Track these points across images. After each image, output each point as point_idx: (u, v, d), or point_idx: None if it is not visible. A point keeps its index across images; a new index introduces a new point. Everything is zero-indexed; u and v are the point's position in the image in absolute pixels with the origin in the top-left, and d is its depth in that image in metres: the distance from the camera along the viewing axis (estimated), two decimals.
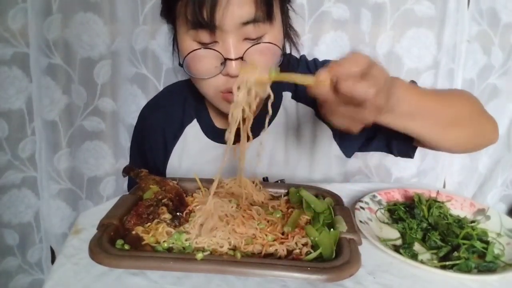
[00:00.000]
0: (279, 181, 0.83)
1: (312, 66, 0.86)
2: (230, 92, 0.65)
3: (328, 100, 0.50)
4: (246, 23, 0.66)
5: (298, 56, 0.87)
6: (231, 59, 0.67)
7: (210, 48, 0.68)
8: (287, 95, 0.86)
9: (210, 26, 0.65)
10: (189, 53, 0.69)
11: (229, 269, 0.49)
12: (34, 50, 1.27)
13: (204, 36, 0.67)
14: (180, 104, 0.92)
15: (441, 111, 0.66)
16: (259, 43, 0.69)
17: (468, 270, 0.53)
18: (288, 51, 0.80)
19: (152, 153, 0.93)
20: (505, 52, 1.41)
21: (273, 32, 0.70)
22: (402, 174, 1.48)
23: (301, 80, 0.51)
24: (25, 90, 1.32)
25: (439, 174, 1.51)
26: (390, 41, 1.37)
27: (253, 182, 0.69)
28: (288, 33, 0.79)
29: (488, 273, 0.52)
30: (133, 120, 0.96)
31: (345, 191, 0.74)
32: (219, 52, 0.67)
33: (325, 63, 0.85)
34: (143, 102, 1.39)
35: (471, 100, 0.75)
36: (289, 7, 0.77)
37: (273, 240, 0.56)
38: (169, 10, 0.72)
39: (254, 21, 0.66)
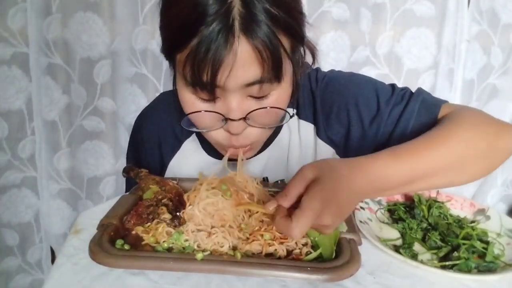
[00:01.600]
0: (279, 181, 0.83)
1: (313, 79, 0.81)
2: (233, 147, 0.68)
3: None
4: (251, 84, 0.59)
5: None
6: (233, 120, 0.62)
7: (211, 111, 0.63)
8: (290, 112, 0.83)
9: (209, 89, 0.59)
10: (189, 114, 0.65)
11: (229, 269, 0.49)
12: (34, 50, 1.27)
13: (204, 94, 0.62)
14: (179, 116, 0.88)
15: (440, 162, 0.60)
16: (264, 107, 0.63)
17: (468, 270, 0.53)
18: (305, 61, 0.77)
19: (148, 165, 0.88)
20: (505, 52, 1.41)
21: (281, 89, 0.63)
22: None
23: (262, 210, 0.56)
24: (25, 90, 1.32)
25: None
26: (390, 41, 1.37)
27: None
28: (309, 46, 0.72)
29: (488, 273, 0.52)
30: (133, 120, 0.95)
31: None
32: (220, 114, 0.63)
33: (326, 77, 0.81)
34: (143, 102, 1.39)
35: (475, 125, 0.66)
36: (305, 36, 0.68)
37: (271, 239, 0.56)
38: (168, 55, 0.66)
39: (261, 82, 0.59)
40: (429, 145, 0.61)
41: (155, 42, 1.34)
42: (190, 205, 0.62)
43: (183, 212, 0.62)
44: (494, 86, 1.45)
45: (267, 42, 0.56)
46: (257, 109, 0.63)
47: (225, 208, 0.60)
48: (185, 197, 0.66)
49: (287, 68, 0.63)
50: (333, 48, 1.36)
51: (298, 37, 0.63)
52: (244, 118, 0.63)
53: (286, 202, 0.52)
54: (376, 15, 1.34)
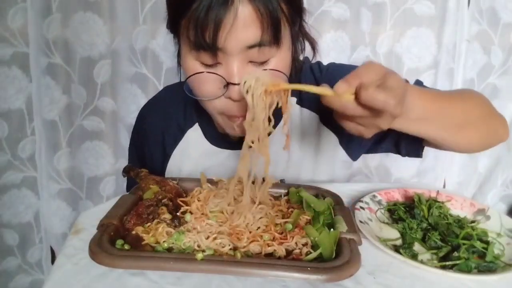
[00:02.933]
0: (279, 181, 0.83)
1: (316, 70, 0.84)
2: (234, 116, 0.68)
3: (347, 110, 0.50)
4: (251, 46, 0.61)
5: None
6: (234, 84, 0.63)
7: (213, 73, 0.65)
8: (292, 101, 0.84)
9: (212, 49, 0.61)
10: (190, 76, 0.66)
11: (229, 269, 0.49)
12: (34, 49, 1.27)
13: (206, 58, 0.63)
14: (181, 107, 0.89)
15: (453, 114, 0.65)
16: (265, 69, 0.64)
17: (468, 270, 0.53)
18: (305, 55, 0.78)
19: (151, 155, 0.91)
20: (505, 51, 1.41)
21: (280, 56, 0.65)
22: (402, 174, 1.48)
23: (319, 91, 0.51)
24: (25, 90, 1.32)
25: (439, 174, 1.51)
26: (390, 40, 1.37)
27: (253, 183, 0.69)
28: (309, 39, 0.75)
29: (488, 273, 0.52)
30: (133, 120, 0.95)
31: (345, 191, 0.74)
32: (221, 76, 0.64)
33: (330, 68, 0.83)
34: (143, 102, 1.38)
35: (481, 99, 0.74)
36: (304, 23, 0.72)
37: (270, 240, 0.56)
38: (174, 25, 0.67)
39: (260, 45, 0.62)
40: (446, 97, 0.67)
41: (155, 42, 1.34)
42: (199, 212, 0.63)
43: (181, 212, 0.63)
44: (494, 85, 1.45)
45: (267, 3, 0.59)
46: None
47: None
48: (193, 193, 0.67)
49: (286, 34, 0.65)
50: (333, 48, 1.36)
51: (296, 7, 0.66)
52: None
53: (365, 82, 0.49)
54: (376, 15, 1.34)
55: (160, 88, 1.40)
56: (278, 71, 0.65)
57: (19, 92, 1.31)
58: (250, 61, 0.64)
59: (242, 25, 0.59)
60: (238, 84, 0.62)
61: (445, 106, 0.64)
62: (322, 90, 0.51)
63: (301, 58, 0.78)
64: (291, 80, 0.69)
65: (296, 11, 0.67)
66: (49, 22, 1.26)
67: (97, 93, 1.37)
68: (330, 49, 1.36)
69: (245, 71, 0.63)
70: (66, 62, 1.32)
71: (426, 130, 0.64)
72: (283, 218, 0.62)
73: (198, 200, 0.66)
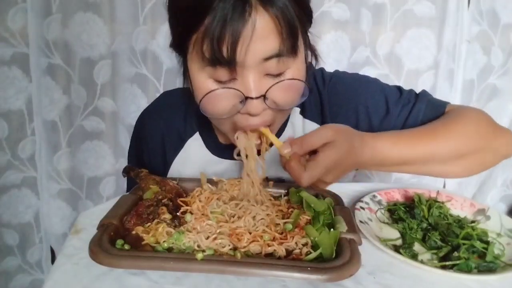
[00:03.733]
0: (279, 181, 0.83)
1: (319, 79, 0.82)
2: (248, 127, 0.66)
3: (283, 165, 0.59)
4: (269, 58, 0.59)
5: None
6: (252, 98, 0.61)
7: (230, 87, 0.61)
8: (295, 111, 0.82)
9: (230, 63, 0.58)
10: (206, 94, 0.63)
11: (229, 269, 0.49)
12: (34, 50, 1.27)
13: (223, 74, 0.60)
14: (182, 115, 0.87)
15: (436, 151, 0.65)
16: (283, 80, 0.62)
17: (468, 270, 0.53)
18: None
19: (151, 164, 0.89)
20: (505, 52, 1.41)
21: (296, 66, 0.63)
22: (402, 174, 1.48)
23: (279, 146, 0.60)
24: (25, 90, 1.32)
25: None
26: (390, 41, 1.37)
27: (253, 183, 0.69)
28: (310, 47, 0.74)
29: (488, 273, 0.52)
30: (133, 120, 0.95)
31: (345, 191, 0.74)
32: (239, 91, 0.61)
33: (333, 78, 0.82)
34: (143, 102, 1.39)
35: (474, 122, 0.70)
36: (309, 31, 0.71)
37: (270, 240, 0.56)
38: (182, 42, 0.63)
39: (278, 55, 0.59)
40: (428, 135, 0.67)
41: (155, 42, 1.34)
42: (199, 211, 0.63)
43: (181, 212, 0.63)
44: (494, 86, 1.45)
45: (284, 11, 0.57)
46: (276, 83, 0.62)
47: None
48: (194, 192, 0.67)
49: (301, 43, 0.64)
50: (333, 48, 1.37)
51: (307, 11, 0.64)
52: (264, 97, 0.61)
53: (301, 151, 0.57)
54: (377, 16, 1.34)
55: (160, 88, 1.40)
56: (297, 79, 0.63)
57: (19, 92, 1.31)
58: (267, 74, 0.62)
59: (261, 37, 0.57)
60: (257, 98, 0.61)
61: (425, 146, 0.65)
62: (280, 146, 0.60)
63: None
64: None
65: (307, 16, 0.65)
66: (49, 22, 1.26)
67: (97, 94, 1.37)
68: (330, 50, 1.36)
69: (262, 83, 0.62)
70: (66, 63, 1.32)
71: (408, 171, 0.67)
72: (283, 218, 0.62)
73: (200, 201, 0.65)
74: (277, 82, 0.62)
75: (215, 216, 0.61)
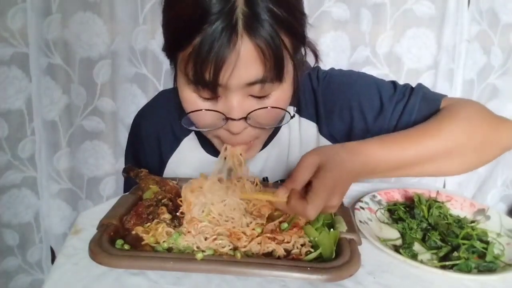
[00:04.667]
0: (279, 181, 0.83)
1: (314, 78, 0.82)
2: (234, 144, 0.68)
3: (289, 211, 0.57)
4: (252, 83, 0.60)
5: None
6: (233, 119, 0.62)
7: (212, 110, 0.63)
8: (290, 110, 0.80)
9: (213, 86, 0.59)
10: (189, 112, 0.65)
11: (229, 269, 0.49)
12: (33, 50, 1.27)
13: (205, 93, 0.62)
14: (177, 114, 0.85)
15: (428, 153, 0.63)
16: (265, 107, 0.63)
17: (468, 270, 0.53)
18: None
19: (147, 163, 0.89)
20: (505, 52, 1.41)
21: (282, 89, 0.63)
22: None
23: (271, 199, 0.57)
24: (24, 90, 1.32)
25: None
26: (390, 41, 1.37)
27: (253, 183, 0.69)
28: (311, 46, 0.73)
29: (488, 273, 0.52)
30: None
31: None
32: (221, 113, 0.63)
33: (327, 76, 0.81)
34: (143, 102, 1.39)
35: (467, 117, 0.68)
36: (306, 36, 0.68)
37: (261, 231, 0.57)
38: (170, 55, 0.65)
39: (262, 81, 0.60)
40: (418, 136, 0.65)
41: (155, 42, 1.34)
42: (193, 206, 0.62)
43: (180, 212, 0.62)
44: (494, 86, 1.45)
45: (270, 41, 0.56)
46: (258, 109, 0.63)
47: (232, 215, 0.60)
48: (182, 194, 0.66)
49: (289, 68, 0.63)
50: (333, 48, 1.37)
51: (299, 37, 0.63)
52: (245, 118, 0.63)
53: (298, 187, 0.55)
54: (376, 15, 1.34)
55: (160, 88, 1.40)
56: (279, 108, 0.64)
57: (19, 92, 1.31)
58: (251, 95, 0.62)
59: (244, 64, 0.57)
60: (238, 119, 0.62)
61: (418, 147, 0.63)
62: (272, 197, 0.56)
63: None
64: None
65: (299, 40, 0.64)
66: (49, 22, 1.26)
67: (97, 93, 1.37)
68: (330, 50, 1.36)
69: (245, 105, 0.62)
70: (66, 63, 1.32)
71: (406, 174, 0.65)
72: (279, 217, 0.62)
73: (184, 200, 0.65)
74: (259, 108, 0.63)
75: (205, 218, 0.60)
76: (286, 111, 0.67)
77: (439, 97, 0.75)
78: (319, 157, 0.56)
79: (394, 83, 0.79)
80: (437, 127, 0.66)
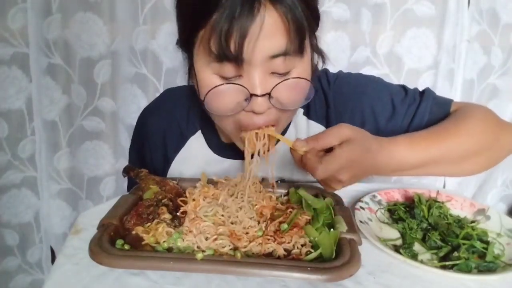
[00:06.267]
0: (279, 181, 0.83)
1: (324, 79, 0.82)
2: (253, 129, 0.66)
3: (296, 163, 0.60)
4: (275, 56, 0.59)
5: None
6: (257, 95, 0.60)
7: (235, 83, 0.61)
8: (299, 111, 0.82)
9: (237, 59, 0.58)
10: (211, 89, 0.62)
11: (229, 269, 0.49)
12: (34, 50, 1.27)
13: (229, 70, 0.60)
14: (184, 112, 0.87)
15: (450, 151, 0.66)
16: (288, 78, 0.62)
17: (468, 270, 0.53)
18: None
19: (152, 160, 0.90)
20: (505, 52, 1.41)
21: (302, 65, 0.63)
22: None
23: (288, 143, 0.60)
24: (25, 90, 1.32)
25: None
26: (390, 41, 1.37)
27: (253, 183, 0.69)
28: (319, 49, 0.73)
29: (488, 273, 0.52)
30: (133, 120, 0.95)
31: (345, 191, 0.74)
32: (245, 87, 0.61)
33: (338, 78, 0.82)
34: (143, 102, 1.39)
35: (482, 119, 0.71)
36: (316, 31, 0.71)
37: (262, 234, 0.56)
38: (188, 38, 0.63)
39: (285, 54, 0.59)
40: (441, 135, 0.67)
41: (155, 42, 1.34)
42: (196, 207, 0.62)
43: (181, 212, 0.62)
44: (494, 86, 1.45)
45: (293, 11, 0.57)
46: (280, 82, 0.62)
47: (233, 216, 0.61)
48: (187, 193, 0.66)
49: (308, 43, 0.64)
50: (333, 48, 1.37)
51: (315, 13, 0.65)
52: (269, 95, 0.61)
53: (318, 146, 0.57)
54: (377, 15, 1.34)
55: (160, 88, 1.40)
56: (303, 78, 0.63)
57: (19, 92, 1.32)
58: (272, 72, 0.62)
59: (268, 34, 0.57)
60: (262, 95, 0.61)
61: (439, 148, 0.65)
62: (294, 143, 0.59)
63: None
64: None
65: (315, 18, 0.65)
66: (49, 22, 1.26)
67: (97, 93, 1.37)
68: (330, 50, 1.36)
69: (268, 81, 0.61)
70: (66, 63, 1.32)
71: (425, 173, 0.67)
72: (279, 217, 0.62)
73: (193, 200, 0.65)
74: (283, 80, 0.62)
75: (211, 218, 0.60)
76: (309, 80, 0.65)
77: (449, 102, 0.77)
78: (352, 133, 0.57)
79: (404, 87, 0.81)
80: (458, 128, 0.68)
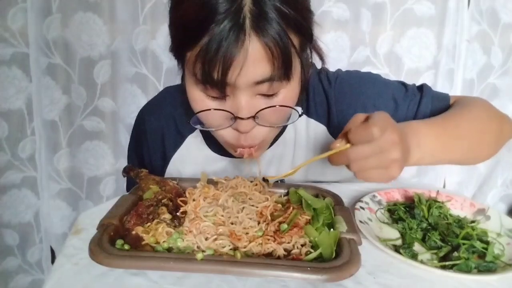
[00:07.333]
0: (278, 181, 0.83)
1: (324, 79, 0.82)
2: (241, 146, 0.68)
3: (351, 155, 0.57)
4: (260, 82, 0.60)
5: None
6: (242, 118, 0.62)
7: (220, 109, 0.63)
8: (298, 110, 0.81)
9: (221, 86, 0.59)
10: (198, 112, 0.65)
11: (229, 269, 0.49)
12: (34, 50, 1.27)
13: (214, 92, 0.61)
14: (182, 110, 0.87)
15: (468, 134, 0.68)
16: (274, 106, 0.63)
17: (468, 270, 0.53)
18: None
19: (150, 158, 0.90)
20: (505, 52, 1.41)
21: (290, 87, 0.64)
22: (402, 174, 1.47)
23: (333, 153, 0.59)
24: (25, 90, 1.32)
25: (439, 174, 1.51)
26: (390, 41, 1.37)
27: (254, 184, 0.69)
28: (316, 48, 0.74)
29: (488, 273, 0.52)
30: (133, 120, 0.95)
31: (345, 191, 0.74)
32: (229, 112, 0.62)
33: (338, 77, 0.82)
34: (143, 102, 1.38)
35: (485, 108, 0.75)
36: (313, 37, 0.69)
37: (263, 234, 0.56)
38: (178, 55, 0.65)
39: (270, 80, 0.60)
40: (458, 119, 0.70)
41: (155, 42, 1.34)
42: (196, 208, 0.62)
43: (181, 212, 0.62)
44: (494, 86, 1.45)
45: (277, 40, 0.56)
46: (266, 108, 0.63)
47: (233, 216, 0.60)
48: (187, 193, 0.66)
49: (296, 66, 0.63)
50: (333, 48, 1.37)
51: (307, 35, 0.64)
52: (253, 117, 0.62)
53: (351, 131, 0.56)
54: (376, 15, 1.34)
55: (160, 88, 1.40)
56: (286, 106, 0.65)
57: (19, 92, 1.32)
58: (259, 94, 0.62)
59: (253, 63, 0.57)
60: (246, 118, 0.62)
61: (457, 137, 0.67)
62: (333, 151, 0.59)
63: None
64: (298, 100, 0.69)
65: (307, 38, 0.65)
66: (49, 22, 1.26)
67: (97, 93, 1.37)
68: (330, 50, 1.36)
69: (253, 104, 0.62)
70: (66, 62, 1.32)
71: (439, 161, 0.68)
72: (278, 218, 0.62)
73: (193, 200, 0.65)
74: (268, 107, 0.63)
75: (211, 218, 0.60)
76: (295, 109, 0.67)
77: (447, 96, 0.80)
78: (383, 128, 0.56)
79: (403, 83, 0.82)
80: (468, 113, 0.72)
